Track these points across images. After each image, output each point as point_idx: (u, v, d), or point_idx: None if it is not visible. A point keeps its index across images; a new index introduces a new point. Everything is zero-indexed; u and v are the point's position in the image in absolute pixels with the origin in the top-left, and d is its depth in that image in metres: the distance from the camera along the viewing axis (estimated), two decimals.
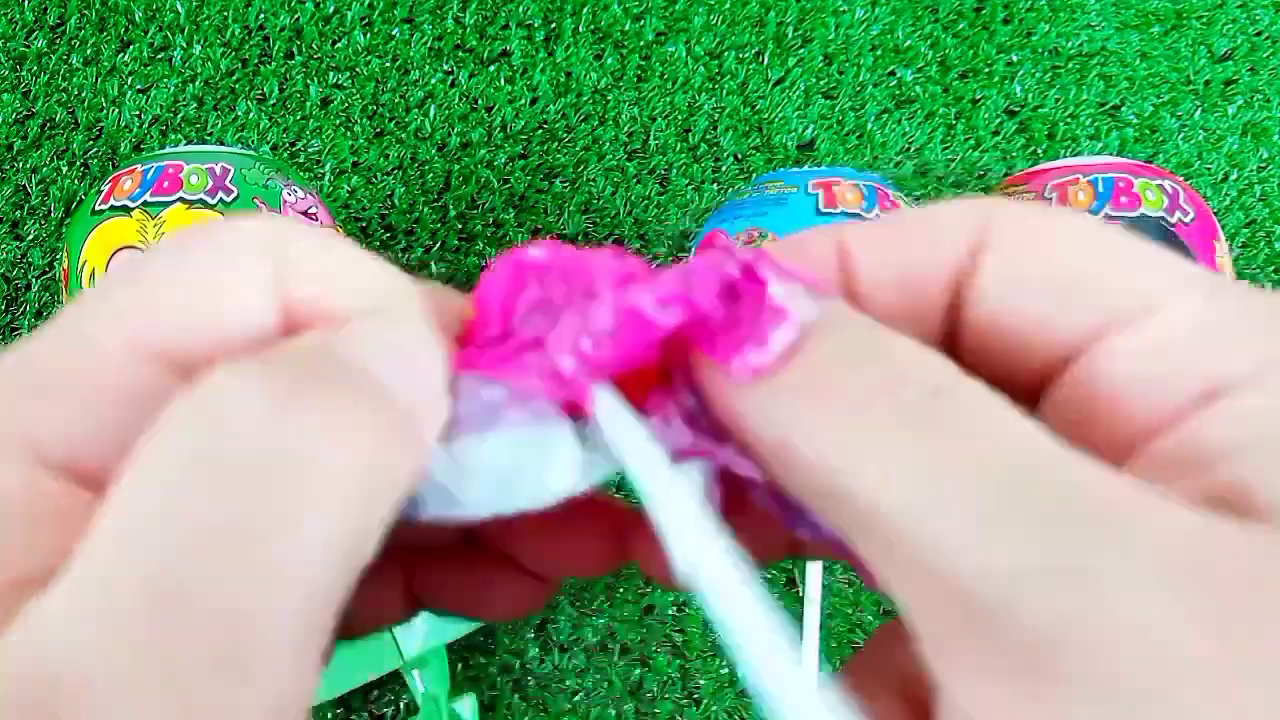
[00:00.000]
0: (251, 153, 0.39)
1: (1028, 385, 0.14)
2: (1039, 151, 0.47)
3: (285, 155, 0.47)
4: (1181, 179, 0.39)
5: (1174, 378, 0.12)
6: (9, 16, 0.48)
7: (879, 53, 0.48)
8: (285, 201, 0.37)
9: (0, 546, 0.12)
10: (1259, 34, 0.49)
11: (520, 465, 0.14)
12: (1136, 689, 0.10)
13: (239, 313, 0.13)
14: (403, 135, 0.47)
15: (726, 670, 0.40)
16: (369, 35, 0.48)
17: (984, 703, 0.11)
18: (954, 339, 0.15)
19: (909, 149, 0.47)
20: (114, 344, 0.13)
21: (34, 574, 0.11)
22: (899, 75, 0.48)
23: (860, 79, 0.48)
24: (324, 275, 0.14)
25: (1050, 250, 0.13)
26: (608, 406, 0.14)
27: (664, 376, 0.16)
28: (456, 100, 0.48)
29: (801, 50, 0.48)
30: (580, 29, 0.48)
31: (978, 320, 0.14)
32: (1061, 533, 0.11)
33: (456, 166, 0.47)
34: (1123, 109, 0.48)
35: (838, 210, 0.36)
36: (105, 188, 0.37)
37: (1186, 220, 0.37)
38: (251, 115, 0.47)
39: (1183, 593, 0.10)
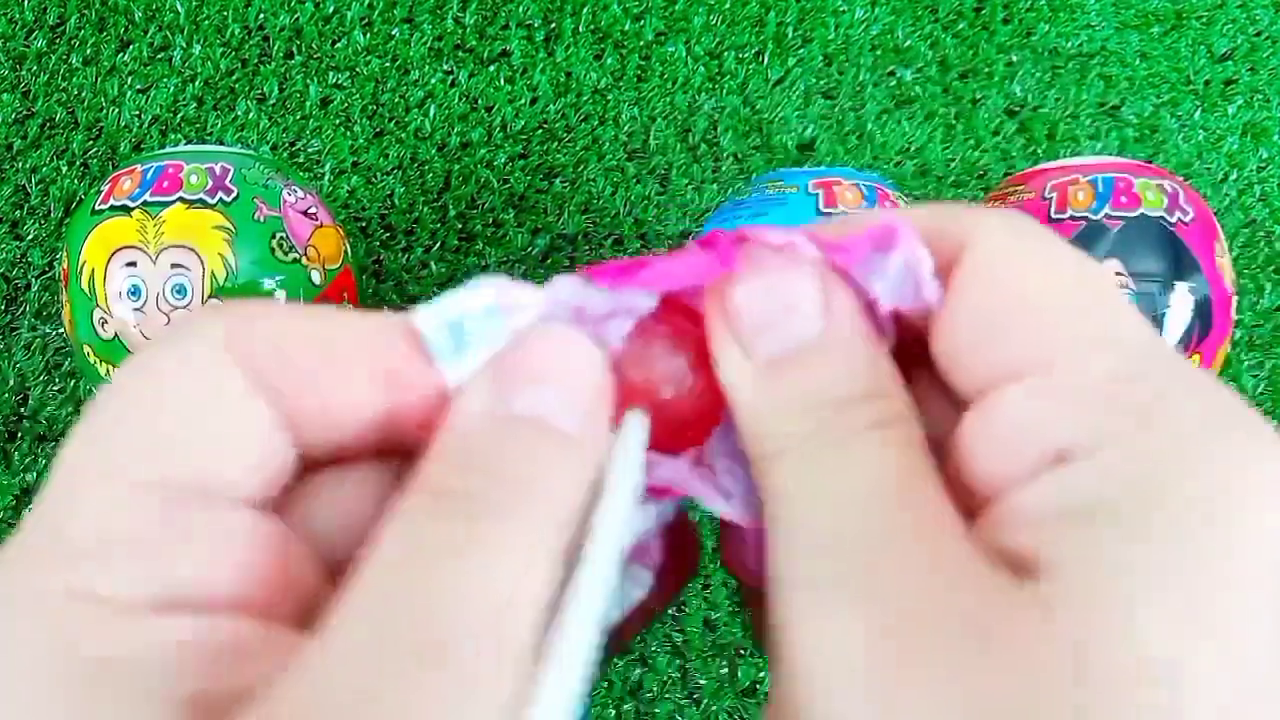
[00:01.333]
0: (251, 153, 0.39)
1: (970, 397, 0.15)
2: (1039, 151, 0.47)
3: (285, 155, 0.47)
4: (1181, 179, 0.39)
5: (1036, 438, 0.13)
6: (9, 16, 0.48)
7: (879, 53, 0.48)
8: (285, 201, 0.37)
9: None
10: (1259, 34, 0.49)
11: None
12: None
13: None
14: (403, 135, 0.47)
15: (726, 670, 0.40)
16: (369, 35, 0.48)
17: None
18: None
19: (909, 149, 0.47)
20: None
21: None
22: (899, 75, 0.48)
23: (860, 79, 0.48)
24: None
25: (1005, 287, 0.14)
26: (632, 431, 0.16)
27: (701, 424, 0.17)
28: (456, 100, 0.48)
29: (801, 50, 0.48)
30: (580, 29, 0.48)
31: (941, 333, 0.15)
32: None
33: (456, 166, 0.47)
34: (1123, 109, 0.48)
35: (838, 210, 0.36)
36: (105, 187, 0.37)
37: (1186, 220, 0.37)
38: (251, 115, 0.47)
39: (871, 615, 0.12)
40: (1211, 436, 0.12)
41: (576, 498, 0.14)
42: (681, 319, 0.17)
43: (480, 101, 0.48)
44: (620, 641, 0.17)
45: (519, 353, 0.15)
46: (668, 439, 0.17)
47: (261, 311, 0.15)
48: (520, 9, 0.48)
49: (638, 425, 0.16)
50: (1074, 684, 0.11)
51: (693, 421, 0.17)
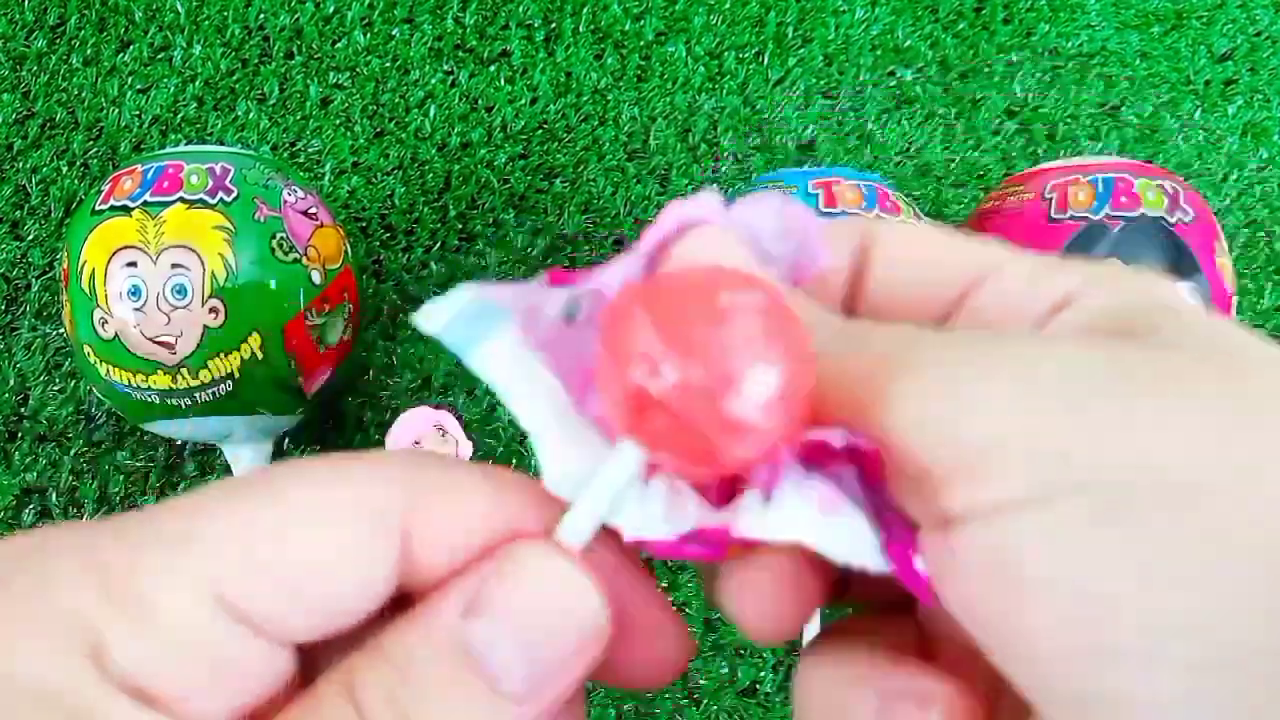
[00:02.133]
0: (251, 153, 0.39)
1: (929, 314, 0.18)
2: (1039, 151, 0.47)
3: (285, 155, 0.47)
4: (1181, 179, 0.39)
5: (1031, 301, 0.16)
6: (9, 16, 0.48)
7: (879, 53, 0.48)
8: (285, 201, 0.37)
9: None
10: (1259, 34, 0.49)
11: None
12: None
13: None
14: (403, 135, 0.47)
15: (726, 670, 0.40)
16: (369, 35, 0.48)
17: None
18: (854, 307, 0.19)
19: (909, 149, 0.47)
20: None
21: None
22: (899, 75, 0.48)
23: (860, 79, 0.48)
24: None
25: (920, 244, 0.18)
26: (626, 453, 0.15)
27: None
28: (456, 100, 0.47)
29: (801, 50, 0.48)
30: (580, 29, 0.48)
31: (873, 295, 0.18)
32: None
33: (456, 166, 0.47)
34: (1123, 109, 0.48)
35: (838, 210, 0.36)
36: (105, 187, 0.37)
37: (1186, 220, 0.37)
38: (251, 115, 0.47)
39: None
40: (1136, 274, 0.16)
41: None
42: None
43: (480, 101, 0.48)
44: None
45: (511, 576, 0.14)
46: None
47: (438, 485, 0.15)
48: (520, 9, 0.48)
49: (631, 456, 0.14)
50: None
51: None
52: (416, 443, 0.40)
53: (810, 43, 0.48)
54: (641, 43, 0.48)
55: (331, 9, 0.48)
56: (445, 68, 0.48)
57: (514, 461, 0.43)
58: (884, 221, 0.19)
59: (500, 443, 0.43)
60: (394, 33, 0.48)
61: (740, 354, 0.13)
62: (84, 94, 0.47)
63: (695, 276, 0.14)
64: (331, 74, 0.48)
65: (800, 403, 0.14)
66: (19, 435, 0.44)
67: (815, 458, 0.15)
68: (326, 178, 0.46)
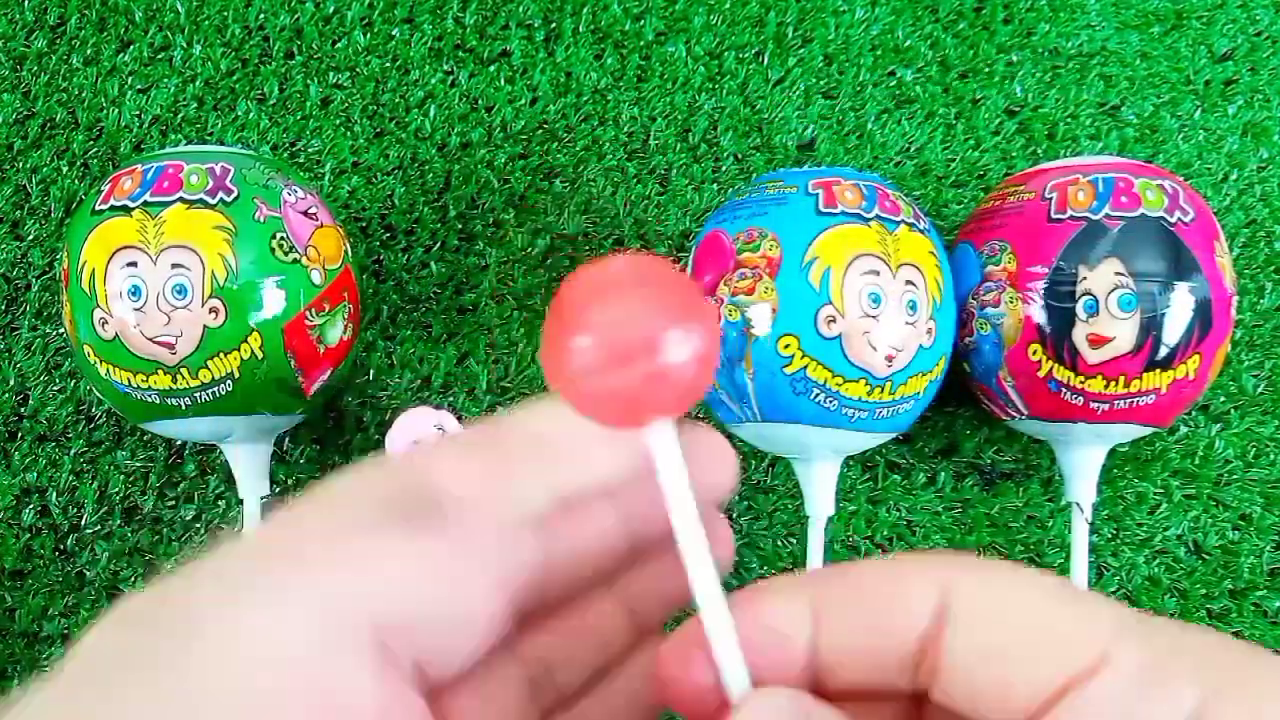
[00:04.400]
0: (251, 153, 0.39)
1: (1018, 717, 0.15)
2: (1039, 151, 0.47)
3: (285, 155, 0.47)
4: (1181, 179, 0.39)
5: (1138, 714, 0.14)
6: (9, 16, 0.48)
7: (879, 53, 0.48)
8: (285, 201, 0.37)
9: None
10: (1259, 34, 0.49)
11: None
12: None
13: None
14: (403, 135, 0.47)
15: None
16: (369, 35, 0.48)
17: None
18: (922, 693, 0.16)
19: (909, 149, 0.47)
20: None
21: None
22: (899, 75, 0.48)
23: (860, 79, 0.48)
24: None
25: (1007, 618, 0.15)
26: (665, 440, 0.17)
27: None
28: (456, 100, 0.48)
29: (801, 50, 0.48)
30: (580, 29, 0.48)
31: (947, 683, 0.16)
32: None
33: (456, 166, 0.47)
34: (1123, 109, 0.48)
35: (838, 210, 0.36)
36: (105, 188, 0.37)
37: (1186, 220, 0.37)
38: (251, 115, 0.47)
39: None
40: (1239, 677, 0.14)
41: None
42: None
43: (480, 101, 0.48)
44: None
45: None
46: None
47: None
48: (520, 9, 0.48)
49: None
50: None
51: None
52: (416, 442, 0.40)
53: (810, 43, 0.48)
54: (641, 43, 0.48)
55: (331, 9, 0.48)
56: (445, 68, 0.48)
57: None
58: (967, 566, 0.16)
59: None
60: (394, 33, 0.48)
61: (657, 317, 0.16)
62: (84, 94, 0.47)
63: (619, 264, 0.17)
64: (331, 74, 0.48)
65: (710, 358, 0.16)
66: (19, 435, 0.44)
67: None
68: (326, 178, 0.46)
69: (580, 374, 0.16)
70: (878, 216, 0.36)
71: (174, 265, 0.35)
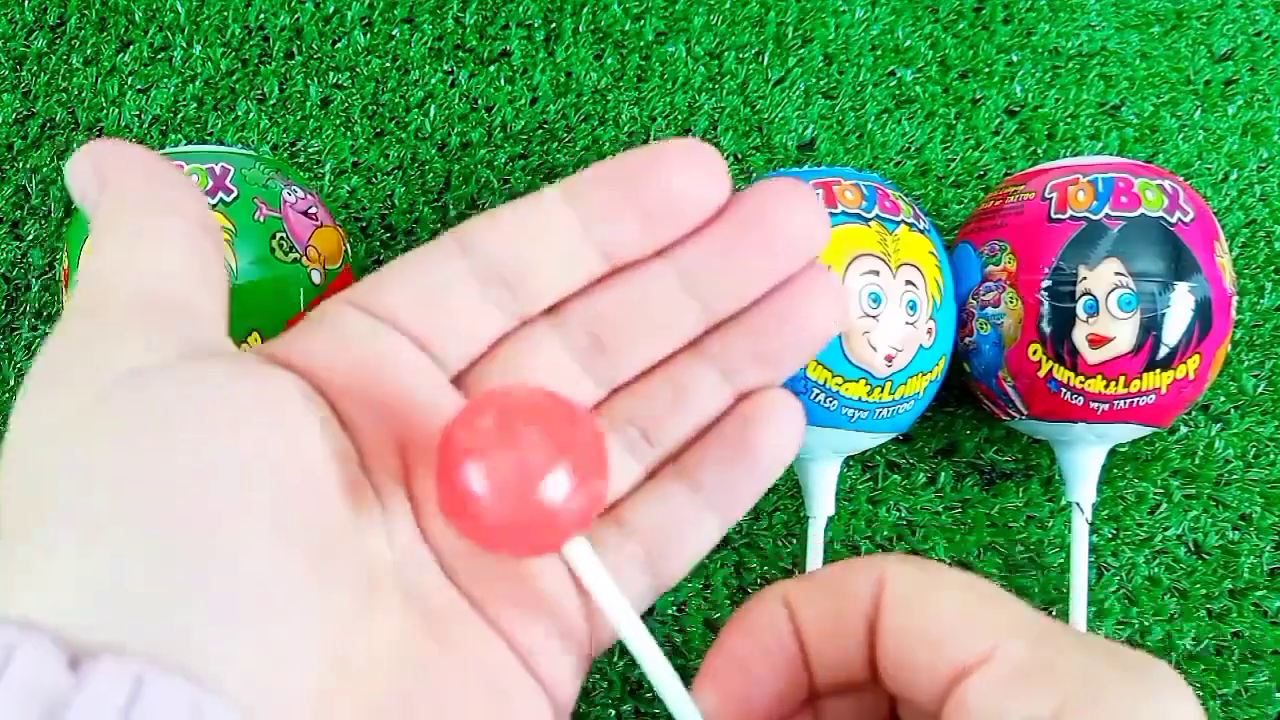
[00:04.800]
0: (251, 153, 0.39)
1: (932, 701, 0.17)
2: (1039, 151, 0.47)
3: (285, 155, 0.47)
4: (1181, 179, 0.39)
5: (1003, 711, 0.16)
6: (9, 16, 0.48)
7: (879, 53, 0.48)
8: (285, 201, 0.37)
9: None
10: (1259, 34, 0.49)
11: None
12: None
13: None
14: (403, 135, 0.47)
15: None
16: (369, 35, 0.48)
17: None
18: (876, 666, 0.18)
19: (909, 149, 0.47)
20: None
21: None
22: (899, 75, 0.48)
23: (860, 79, 0.48)
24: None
25: (927, 604, 0.17)
26: (582, 555, 0.18)
27: None
28: (456, 100, 0.48)
29: (801, 50, 0.48)
30: (580, 29, 0.48)
31: (882, 664, 0.18)
32: None
33: (456, 166, 0.47)
34: (1123, 109, 0.48)
35: (838, 210, 0.36)
36: None
37: (1186, 220, 0.37)
38: (251, 115, 0.47)
39: None
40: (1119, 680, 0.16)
41: None
42: None
43: (480, 101, 0.48)
44: None
45: None
46: None
47: None
48: (520, 9, 0.48)
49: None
50: None
51: None
52: None
53: (810, 43, 0.48)
54: (641, 43, 0.48)
55: (331, 9, 0.48)
56: (445, 68, 0.48)
57: None
58: (904, 561, 0.18)
59: None
60: (394, 33, 0.48)
61: (544, 453, 0.16)
62: (84, 94, 0.47)
63: (517, 398, 0.17)
64: (331, 74, 0.48)
65: (597, 495, 0.17)
66: None
67: None
68: (326, 178, 0.46)
69: (480, 512, 0.16)
70: (878, 216, 0.36)
71: None
